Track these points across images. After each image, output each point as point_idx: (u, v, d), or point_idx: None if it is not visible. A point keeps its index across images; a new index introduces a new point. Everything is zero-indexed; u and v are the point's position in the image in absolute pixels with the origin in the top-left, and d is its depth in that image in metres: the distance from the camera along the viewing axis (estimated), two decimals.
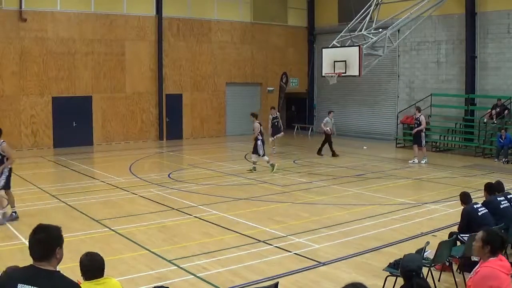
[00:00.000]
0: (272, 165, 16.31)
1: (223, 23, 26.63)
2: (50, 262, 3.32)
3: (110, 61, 23.31)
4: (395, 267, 6.42)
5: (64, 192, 13.36)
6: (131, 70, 23.95)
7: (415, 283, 4.62)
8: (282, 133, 20.73)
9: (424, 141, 18.62)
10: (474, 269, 4.63)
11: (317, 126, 29.50)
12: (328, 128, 19.88)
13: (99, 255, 4.53)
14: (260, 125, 16.50)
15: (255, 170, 16.34)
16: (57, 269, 3.39)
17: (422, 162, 18.34)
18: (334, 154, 19.67)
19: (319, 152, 19.97)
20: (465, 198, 7.97)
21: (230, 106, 27.39)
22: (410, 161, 18.56)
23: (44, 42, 21.61)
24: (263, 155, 16.33)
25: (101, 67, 23.11)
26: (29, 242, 3.38)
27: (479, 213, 7.61)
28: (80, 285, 4.14)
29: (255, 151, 16.33)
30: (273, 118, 20.37)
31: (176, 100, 25.42)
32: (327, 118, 20.17)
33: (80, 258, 4.46)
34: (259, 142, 16.16)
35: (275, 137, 20.24)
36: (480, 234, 4.69)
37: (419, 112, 18.67)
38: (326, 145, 19.91)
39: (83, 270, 4.37)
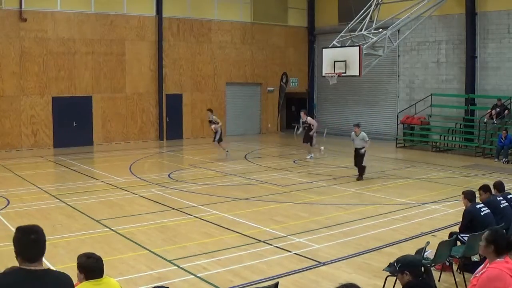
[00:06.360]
0: None
1: (223, 23, 26.62)
2: (40, 262, 3.25)
3: (110, 61, 23.30)
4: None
5: (64, 192, 13.37)
6: (131, 70, 23.94)
7: (429, 280, 4.59)
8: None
9: (314, 140, 19.35)
10: (479, 268, 4.62)
11: (317, 126, 29.46)
12: None
13: (98, 255, 4.48)
14: None
15: None
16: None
17: (308, 157, 19.30)
18: None
19: None
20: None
21: (230, 106, 27.38)
22: (307, 157, 19.33)
23: (44, 42, 21.60)
24: None
25: (101, 67, 23.10)
26: (23, 243, 3.27)
27: (482, 213, 7.59)
28: (79, 285, 4.14)
29: None
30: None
31: (176, 100, 25.41)
32: None
33: (80, 259, 4.31)
34: None
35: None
36: (485, 233, 4.73)
37: (306, 115, 19.42)
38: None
39: (88, 270, 4.21)
